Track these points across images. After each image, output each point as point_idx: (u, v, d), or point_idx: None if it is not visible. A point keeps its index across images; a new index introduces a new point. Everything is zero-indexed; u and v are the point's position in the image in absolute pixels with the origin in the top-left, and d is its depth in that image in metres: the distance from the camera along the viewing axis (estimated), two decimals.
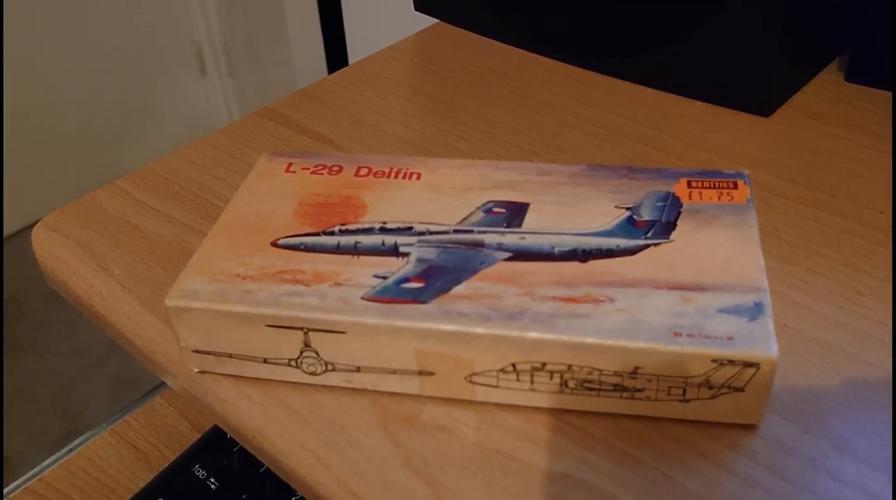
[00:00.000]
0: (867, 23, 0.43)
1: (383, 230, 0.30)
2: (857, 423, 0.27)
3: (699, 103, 0.44)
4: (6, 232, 1.57)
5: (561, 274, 0.28)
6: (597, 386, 0.26)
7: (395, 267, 0.28)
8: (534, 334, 0.25)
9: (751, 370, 0.25)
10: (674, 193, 0.31)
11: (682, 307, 0.26)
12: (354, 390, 0.29)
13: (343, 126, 0.44)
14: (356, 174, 0.33)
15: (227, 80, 1.65)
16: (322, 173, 0.33)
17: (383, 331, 0.26)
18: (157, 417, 0.57)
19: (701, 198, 0.31)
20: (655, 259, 0.28)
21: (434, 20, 0.55)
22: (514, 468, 0.26)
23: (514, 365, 0.26)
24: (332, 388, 0.29)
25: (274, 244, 0.30)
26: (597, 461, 0.26)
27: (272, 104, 0.46)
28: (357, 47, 1.08)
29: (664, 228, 0.29)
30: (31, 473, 0.54)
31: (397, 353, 0.27)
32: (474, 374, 0.27)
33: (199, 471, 0.50)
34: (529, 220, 0.30)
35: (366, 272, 0.28)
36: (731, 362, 0.25)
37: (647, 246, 0.29)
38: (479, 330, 0.26)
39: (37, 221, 0.39)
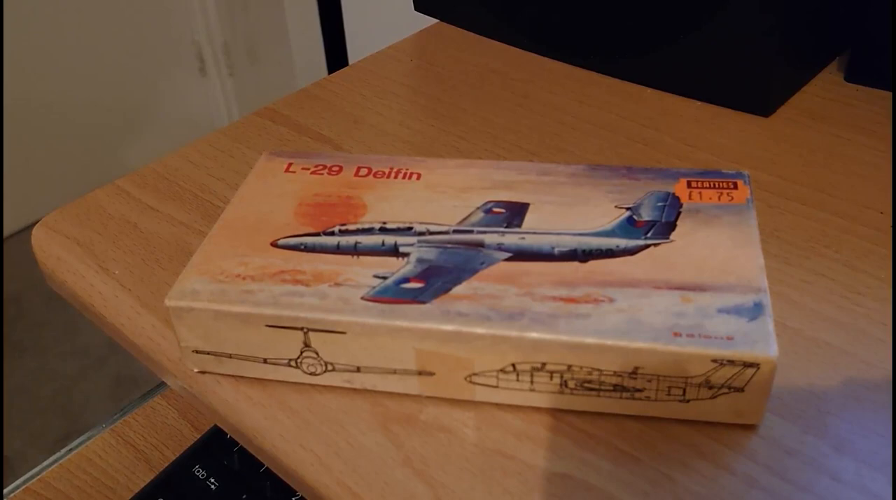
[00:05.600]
0: (867, 23, 0.43)
1: (383, 230, 0.30)
2: (857, 423, 0.27)
3: (699, 103, 0.44)
4: (6, 232, 1.58)
5: (561, 274, 0.28)
6: (597, 386, 0.26)
7: (395, 267, 0.28)
8: (534, 335, 0.25)
9: (751, 370, 0.25)
10: (674, 193, 0.31)
11: (682, 307, 0.26)
12: (354, 390, 0.29)
13: (343, 126, 0.44)
14: (356, 174, 0.33)
15: (227, 80, 1.66)
16: (322, 173, 0.33)
17: (383, 331, 0.26)
18: (157, 417, 0.57)
19: (701, 198, 0.31)
20: (655, 259, 0.28)
21: (434, 20, 0.55)
22: (514, 468, 0.26)
23: (514, 365, 0.26)
24: (332, 388, 0.29)
25: (274, 244, 0.30)
26: (597, 461, 0.26)
27: (272, 104, 0.46)
28: (357, 47, 1.08)
29: (664, 228, 0.29)
30: (31, 473, 0.54)
31: (397, 353, 0.27)
32: (474, 374, 0.27)
33: (199, 471, 0.50)
34: (529, 220, 0.30)
35: (366, 272, 0.28)
36: (731, 362, 0.25)
37: (647, 246, 0.29)
38: (479, 330, 0.26)
39: (37, 221, 0.39)
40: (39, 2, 1.42)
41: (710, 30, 0.41)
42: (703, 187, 0.31)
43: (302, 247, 0.30)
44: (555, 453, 0.26)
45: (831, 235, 0.34)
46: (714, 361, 0.25)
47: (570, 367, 0.26)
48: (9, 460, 1.20)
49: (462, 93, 0.47)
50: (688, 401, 0.26)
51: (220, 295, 0.28)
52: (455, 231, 0.30)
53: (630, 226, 0.30)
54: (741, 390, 0.25)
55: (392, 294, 0.27)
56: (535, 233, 0.30)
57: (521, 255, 0.29)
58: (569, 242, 0.29)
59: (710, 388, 0.25)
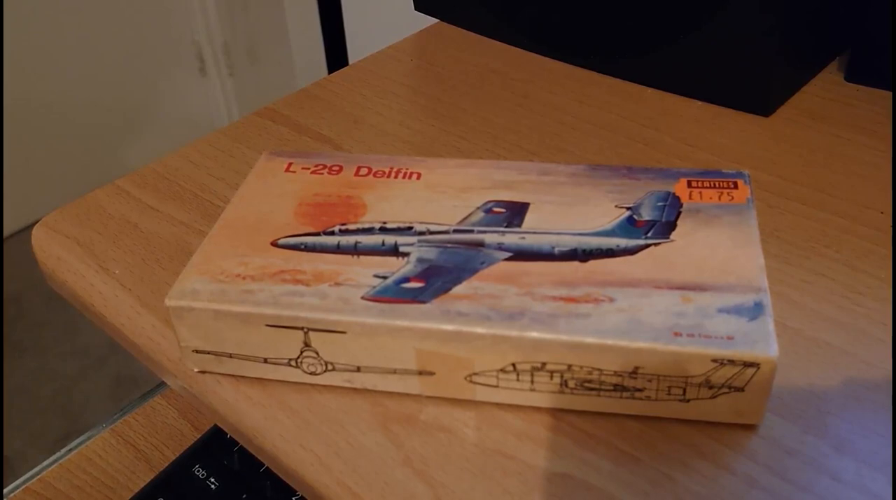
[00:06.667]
0: (867, 23, 0.43)
1: (383, 230, 0.30)
2: (857, 423, 0.27)
3: (699, 103, 0.44)
4: (6, 232, 1.58)
5: (561, 274, 0.28)
6: (597, 386, 0.26)
7: (395, 267, 0.28)
8: (534, 334, 0.25)
9: (751, 370, 0.25)
10: (674, 193, 0.31)
11: (682, 307, 0.26)
12: (354, 390, 0.29)
13: (343, 126, 0.44)
14: (356, 174, 0.33)
15: (227, 80, 1.66)
16: (322, 173, 0.33)
17: (383, 331, 0.26)
18: (157, 417, 0.57)
19: (701, 198, 0.31)
20: (655, 259, 0.28)
21: (434, 20, 0.55)
22: (514, 468, 0.26)
23: (514, 365, 0.26)
24: (332, 388, 0.29)
25: (274, 244, 0.30)
26: (597, 461, 0.26)
27: (272, 104, 0.46)
28: (357, 47, 1.08)
29: (664, 227, 0.29)
30: (31, 473, 0.54)
31: (397, 353, 0.27)
32: (474, 374, 0.27)
33: (199, 471, 0.50)
34: (529, 220, 0.30)
35: (366, 272, 0.28)
36: (732, 361, 0.25)
37: (647, 246, 0.29)
38: (480, 330, 0.26)
39: (37, 221, 0.39)
40: (39, 2, 1.42)
41: (710, 30, 0.41)
42: (703, 187, 0.31)
43: (302, 247, 0.30)
44: (555, 453, 0.26)
45: (831, 235, 0.34)
46: (714, 361, 0.25)
47: (570, 367, 0.26)
48: (9, 460, 1.20)
49: (462, 93, 0.47)
50: (688, 401, 0.26)
51: (220, 295, 0.28)
52: (455, 231, 0.30)
53: (630, 226, 0.30)
54: (741, 389, 0.25)
55: (392, 294, 0.27)
56: (535, 233, 0.30)
57: (521, 255, 0.29)
58: (569, 242, 0.29)
59: (711, 388, 0.25)
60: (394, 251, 0.29)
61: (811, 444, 0.26)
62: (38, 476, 0.54)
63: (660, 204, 0.30)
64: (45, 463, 0.55)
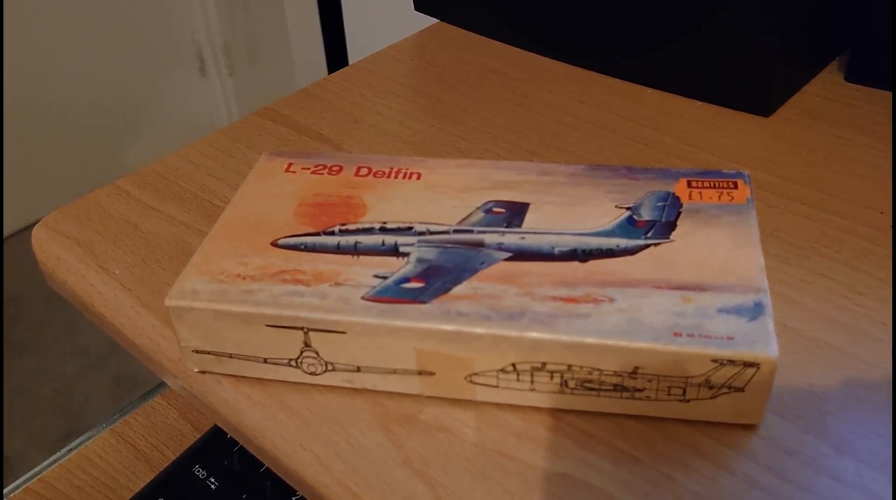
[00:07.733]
0: (867, 23, 0.43)
1: (383, 230, 0.30)
2: (857, 423, 0.27)
3: (699, 103, 0.44)
4: (6, 232, 1.58)
5: (561, 274, 0.28)
6: (597, 386, 0.26)
7: (395, 267, 0.28)
8: (534, 334, 0.25)
9: (751, 370, 0.25)
10: (674, 193, 0.31)
11: (682, 307, 0.26)
12: (354, 390, 0.29)
13: (343, 126, 0.44)
14: (356, 174, 0.33)
15: (227, 80, 1.66)
16: (322, 173, 0.33)
17: (383, 331, 0.26)
18: (157, 417, 0.57)
19: (701, 198, 0.31)
20: (655, 259, 0.28)
21: (434, 20, 0.55)
22: (514, 468, 0.26)
23: (514, 365, 0.26)
24: (332, 388, 0.29)
25: (274, 244, 0.30)
26: (597, 461, 0.26)
27: (272, 104, 0.46)
28: (357, 47, 1.08)
29: (664, 228, 0.29)
30: (31, 473, 0.54)
31: (397, 353, 0.27)
32: (474, 374, 0.27)
33: (199, 471, 0.50)
34: (529, 220, 0.30)
35: (366, 272, 0.28)
36: (731, 362, 0.25)
37: (647, 246, 0.29)
38: (479, 330, 0.26)
39: (37, 221, 0.39)
40: (39, 2, 1.42)
41: (710, 30, 0.41)
42: (703, 187, 0.31)
43: (302, 247, 0.30)
44: (555, 453, 0.26)
45: (831, 235, 0.34)
46: (714, 361, 0.25)
47: (570, 367, 0.26)
48: (9, 460, 1.20)
49: (462, 93, 0.47)
50: (688, 401, 0.26)
51: (220, 295, 0.28)
52: (455, 231, 0.30)
53: (630, 226, 0.30)
54: (741, 390, 0.25)
55: (392, 294, 0.27)
56: (535, 233, 0.30)
57: (521, 255, 0.29)
58: (569, 242, 0.29)
59: (711, 388, 0.25)
60: (394, 251, 0.29)
61: (811, 444, 0.26)
62: (38, 476, 0.54)
63: (660, 204, 0.30)
64: (45, 463, 0.55)
